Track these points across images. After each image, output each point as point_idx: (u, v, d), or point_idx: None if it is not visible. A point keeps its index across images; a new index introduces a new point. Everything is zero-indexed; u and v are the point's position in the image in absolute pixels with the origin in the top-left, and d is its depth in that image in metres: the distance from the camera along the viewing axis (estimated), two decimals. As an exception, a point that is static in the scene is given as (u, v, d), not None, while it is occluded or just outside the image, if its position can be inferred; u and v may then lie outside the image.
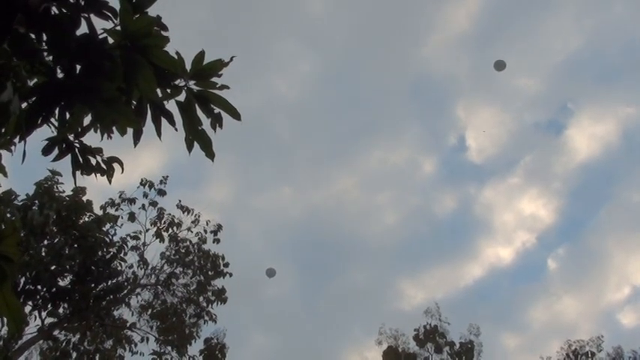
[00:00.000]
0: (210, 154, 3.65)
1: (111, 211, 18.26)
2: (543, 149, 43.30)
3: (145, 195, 19.45)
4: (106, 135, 3.63)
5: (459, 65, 43.26)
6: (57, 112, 3.28)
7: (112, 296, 16.27)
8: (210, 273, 19.39)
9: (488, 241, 45.67)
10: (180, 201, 20.01)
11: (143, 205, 19.39)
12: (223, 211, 38.25)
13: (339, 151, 43.78)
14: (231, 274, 19.52)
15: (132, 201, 19.06)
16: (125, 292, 17.32)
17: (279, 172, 42.76)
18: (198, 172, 37.89)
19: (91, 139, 3.86)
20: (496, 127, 41.75)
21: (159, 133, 3.55)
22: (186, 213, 19.86)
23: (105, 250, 15.68)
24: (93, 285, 15.47)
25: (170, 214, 19.68)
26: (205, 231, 19.90)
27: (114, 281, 16.00)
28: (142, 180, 19.43)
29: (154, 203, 19.50)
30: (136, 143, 3.51)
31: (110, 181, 4.14)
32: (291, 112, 41.00)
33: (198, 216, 20.01)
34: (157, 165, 33.96)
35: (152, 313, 19.13)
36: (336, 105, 43.51)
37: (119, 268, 16.11)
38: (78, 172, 3.94)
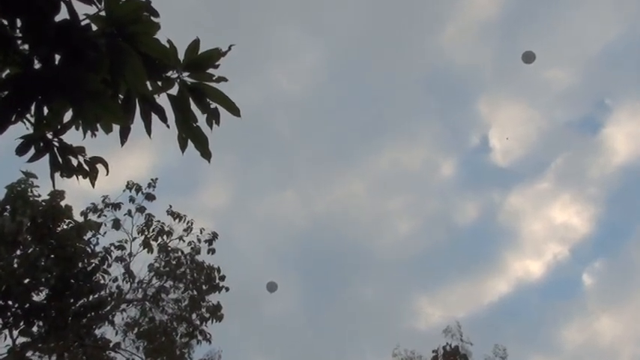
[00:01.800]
0: (206, 154, 3.66)
1: (93, 217, 18.28)
2: (577, 150, 43.23)
3: (132, 200, 19.46)
4: (89, 133, 3.64)
5: (481, 56, 43.26)
6: (33, 107, 3.28)
7: (93, 313, 16.25)
8: (204, 287, 19.38)
9: (516, 254, 45.59)
10: (170, 206, 20.01)
11: (129, 211, 19.40)
12: (219, 218, 38.28)
13: (347, 151, 43.82)
14: (227, 289, 19.51)
15: (117, 206, 19.07)
16: (108, 308, 17.33)
17: (281, 175, 42.82)
18: (191, 175, 37.95)
19: (72, 137, 3.87)
20: (524, 125, 41.70)
21: (149, 131, 3.56)
22: (177, 220, 19.86)
23: (86, 261, 15.68)
24: (72, 300, 15.45)
25: (159, 221, 19.68)
26: (199, 240, 19.90)
27: (96, 296, 15.98)
28: (128, 183, 19.44)
29: (141, 209, 19.50)
30: (122, 142, 3.52)
31: (93, 184, 4.15)
32: (293, 109, 41.06)
33: (191, 223, 20.00)
34: (145, 167, 34.07)
35: (139, 332, 19.14)
36: (344, 100, 43.53)
37: (102, 282, 16.11)
38: (57, 174, 3.95)
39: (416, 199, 45.36)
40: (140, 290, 19.22)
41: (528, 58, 22.69)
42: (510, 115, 42.11)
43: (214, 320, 19.09)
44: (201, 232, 19.96)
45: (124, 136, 3.55)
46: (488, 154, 45.83)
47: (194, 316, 19.20)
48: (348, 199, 42.70)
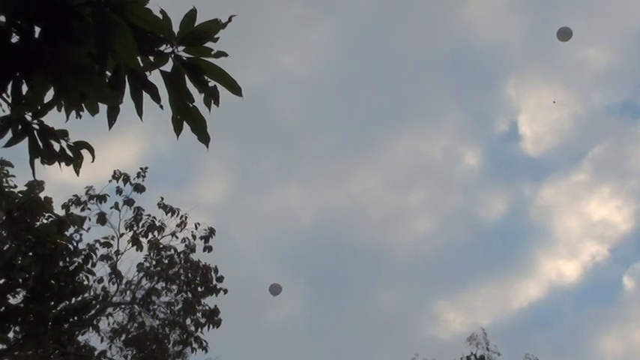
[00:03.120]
0: (204, 137, 3.66)
1: (76, 211, 18.30)
2: (617, 138, 43.21)
3: (119, 191, 19.50)
4: (73, 114, 3.65)
5: (510, 33, 43.17)
6: (11, 85, 3.29)
7: (76, 317, 16.28)
8: (199, 289, 19.41)
9: (548, 254, 45.55)
10: (162, 199, 20.03)
11: (116, 204, 19.44)
12: (217, 213, 38.32)
13: (360, 140, 43.76)
14: (225, 291, 19.54)
15: (102, 199, 19.11)
16: (93, 312, 17.36)
17: (286, 166, 42.85)
18: (185, 165, 38.08)
19: (54, 119, 3.88)
20: (557, 110, 41.62)
21: (139, 112, 3.56)
22: (170, 214, 19.89)
23: (68, 259, 15.68)
24: (52, 303, 15.47)
25: (150, 215, 19.71)
26: (194, 237, 19.94)
27: (79, 299, 16.00)
28: (114, 172, 19.47)
29: (129, 202, 19.53)
30: (110, 124, 3.52)
31: (78, 172, 4.16)
32: (300, 92, 41.01)
33: (185, 218, 20.03)
34: (134, 155, 34.08)
35: (127, 338, 19.18)
36: (357, 83, 43.44)
37: (85, 283, 16.11)
38: (37, 161, 3.96)
39: (436, 193, 45.39)
40: (128, 292, 19.28)
41: (564, 34, 22.59)
42: (542, 99, 42.01)
43: (211, 326, 19.12)
44: (196, 228, 20.00)
45: (112, 117, 3.55)
46: (517, 142, 45.83)
47: (188, 321, 19.23)
48: (360, 194, 42.76)
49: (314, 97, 41.87)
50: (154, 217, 19.73)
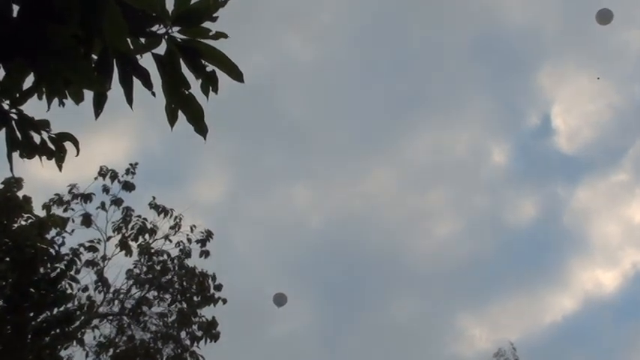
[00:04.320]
0: (201, 128, 3.66)
1: (58, 211, 18.34)
2: (662, 134, 42.91)
3: (106, 190, 19.53)
4: (55, 102, 3.65)
5: (543, 14, 43.02)
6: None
7: (58, 330, 16.33)
8: (195, 298, 19.44)
9: (584, 262, 45.52)
10: (154, 198, 20.04)
11: (103, 204, 19.46)
12: (215, 214, 38.33)
13: (375, 134, 43.69)
14: (224, 301, 19.56)
15: (87, 198, 19.14)
16: (77, 324, 17.40)
17: (292, 163, 42.85)
18: (180, 161, 38.03)
19: (34, 108, 3.88)
20: (595, 101, 41.54)
21: (129, 99, 3.56)
22: (162, 215, 19.90)
23: (49, 265, 15.74)
24: (31, 314, 15.53)
25: (140, 216, 19.73)
26: (189, 240, 19.95)
27: (61, 309, 16.05)
28: (101, 169, 19.50)
29: (117, 201, 19.56)
30: (97, 113, 3.52)
31: (60, 167, 4.16)
32: (308, 80, 40.96)
33: (180, 220, 20.05)
34: (123, 149, 34.09)
35: (114, 353, 19.21)
36: (371, 70, 43.37)
37: (69, 291, 16.15)
38: (15, 155, 3.96)
39: (460, 194, 45.36)
40: (116, 302, 19.30)
41: (604, 17, 22.52)
42: (578, 89, 41.99)
43: (208, 340, 19.14)
44: (192, 231, 20.01)
45: (98, 105, 3.55)
46: (550, 137, 45.78)
47: (183, 334, 19.25)
48: (375, 194, 42.73)
49: (323, 85, 41.82)
50: (145, 219, 19.74)
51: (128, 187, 19.61)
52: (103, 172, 19.46)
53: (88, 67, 3.36)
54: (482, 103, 44.04)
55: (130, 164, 19.78)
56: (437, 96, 44.17)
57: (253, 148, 41.75)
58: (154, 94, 3.60)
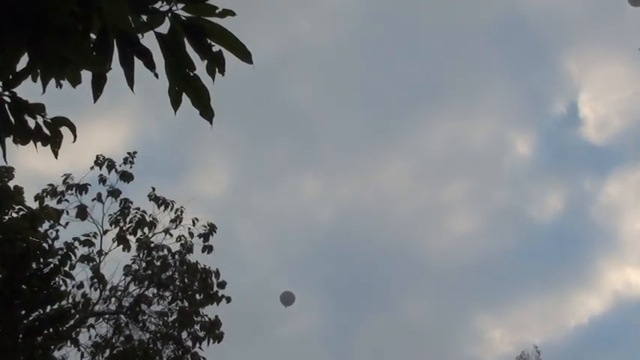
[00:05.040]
0: (207, 112, 3.66)
1: (51, 203, 18.38)
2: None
3: (102, 180, 19.55)
4: (51, 85, 3.65)
5: (570, -4, 42.73)
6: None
7: (51, 329, 16.38)
8: (197, 296, 19.48)
9: (613, 261, 45.48)
10: (154, 190, 20.06)
11: (99, 196, 19.48)
12: (218, 208, 38.44)
13: (388, 124, 43.65)
14: (228, 299, 19.59)
15: (82, 189, 19.15)
16: (72, 323, 17.45)
17: (300, 154, 42.86)
18: (182, 151, 37.97)
19: (29, 91, 3.88)
20: (626, 88, 41.34)
21: (130, 81, 3.56)
22: (163, 208, 19.93)
23: (42, 260, 15.77)
24: (23, 312, 15.58)
25: (139, 208, 19.76)
26: (191, 234, 19.98)
27: (55, 307, 16.09)
28: (97, 158, 19.52)
29: (115, 192, 19.58)
30: (96, 95, 3.52)
31: (56, 154, 4.17)
32: (317, 66, 40.83)
33: (181, 212, 20.08)
34: (122, 137, 34.11)
35: (111, 354, 19.26)
36: (384, 56, 43.20)
37: (63, 288, 16.19)
38: (8, 140, 3.97)
39: (479, 188, 45.36)
40: (113, 300, 19.33)
41: (636, -3, 22.46)
42: (608, 75, 41.88)
43: (211, 340, 19.18)
44: (194, 224, 20.02)
45: (97, 87, 3.56)
46: (577, 127, 45.73)
47: (184, 334, 19.29)
48: (386, 187, 42.76)
49: (334, 72, 41.74)
50: (144, 211, 19.77)
51: (126, 177, 19.63)
52: (99, 162, 19.48)
53: (86, 47, 3.37)
54: (503, 91, 43.98)
55: (129, 153, 19.81)
56: (454, 83, 44.12)
57: (259, 138, 41.80)
58: (156, 75, 3.61)
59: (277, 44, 37.80)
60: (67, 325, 17.17)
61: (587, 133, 43.56)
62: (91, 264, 18.88)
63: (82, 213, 19.01)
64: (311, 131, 41.90)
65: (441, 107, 43.64)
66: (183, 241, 19.90)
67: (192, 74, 3.65)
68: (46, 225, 16.39)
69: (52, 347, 17.57)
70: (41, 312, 15.82)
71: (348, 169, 43.50)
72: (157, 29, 3.62)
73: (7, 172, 15.71)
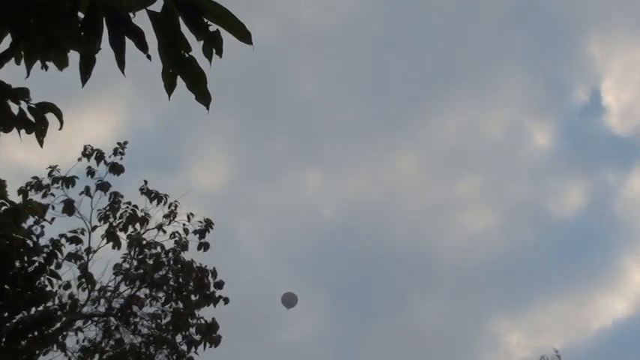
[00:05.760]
0: (203, 96, 3.66)
1: (36, 197, 18.40)
2: None
3: (91, 173, 19.56)
4: (36, 68, 3.65)
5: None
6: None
7: (36, 332, 16.42)
8: (193, 297, 19.51)
9: (639, 259, 45.35)
10: (146, 183, 20.08)
11: (87, 189, 19.50)
12: (215, 203, 38.56)
13: (396, 114, 43.76)
14: (226, 300, 19.62)
15: (69, 182, 19.18)
16: (58, 325, 17.48)
17: (303, 146, 42.85)
18: (176, 142, 38.00)
19: (12, 74, 3.89)
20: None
21: (121, 63, 3.56)
22: (155, 202, 19.96)
23: (26, 258, 15.80)
24: (6, 314, 15.61)
25: (130, 203, 19.77)
26: (186, 231, 20.00)
27: (40, 308, 16.13)
28: (85, 148, 19.53)
29: (104, 186, 19.60)
30: (84, 78, 3.52)
31: (41, 142, 4.17)
32: (321, 53, 40.78)
33: (175, 207, 20.10)
34: (111, 127, 34.11)
35: (101, 359, 19.32)
36: (392, 41, 43.17)
37: (48, 288, 16.24)
38: (-10, 128, 3.97)
39: (495, 182, 45.41)
40: (102, 301, 19.36)
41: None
42: (632, 61, 41.80)
43: (208, 344, 19.21)
44: (189, 220, 20.04)
45: (86, 70, 3.56)
46: (600, 116, 45.79)
47: (179, 337, 19.33)
48: (395, 182, 42.87)
49: (338, 59, 41.66)
50: (135, 206, 19.77)
51: (116, 169, 19.62)
52: (87, 153, 19.47)
53: (73, 26, 3.37)
54: (520, 78, 44.03)
55: (119, 143, 19.81)
56: (468, 69, 44.18)
57: (260, 128, 41.88)
58: (149, 57, 3.61)
59: (278, 30, 37.81)
60: (52, 328, 17.21)
61: (610, 123, 43.80)
62: (78, 262, 18.90)
63: (69, 208, 19.04)
64: (315, 121, 42.01)
65: (454, 96, 43.75)
66: (177, 238, 19.92)
67: (187, 56, 3.65)
68: (30, 221, 16.43)
69: (37, 352, 17.59)
70: (25, 314, 15.86)
71: (355, 162, 43.64)
72: (149, 7, 3.62)
73: (-12, 164, 15.75)
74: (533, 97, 43.79)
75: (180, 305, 19.47)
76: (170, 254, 19.82)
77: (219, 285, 19.65)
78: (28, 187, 18.59)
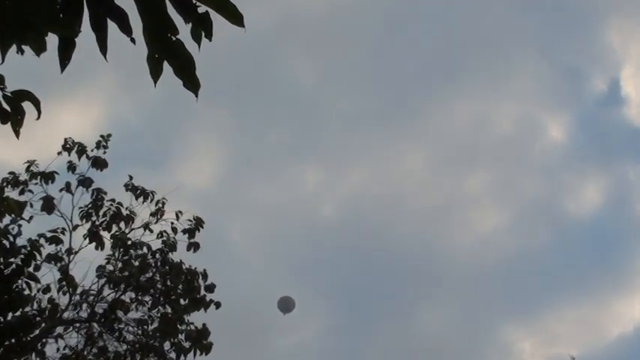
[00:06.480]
0: (192, 82, 3.66)
1: (12, 194, 18.40)
2: None
3: (72, 168, 19.56)
4: (11, 53, 3.65)
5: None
6: None
7: (13, 339, 16.43)
8: (182, 302, 19.51)
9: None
10: (131, 178, 20.07)
11: (67, 185, 19.50)
12: (205, 201, 38.50)
13: (400, 105, 43.67)
14: (218, 304, 19.62)
15: (49, 177, 19.18)
16: (37, 332, 17.49)
17: (300, 140, 42.77)
18: (163, 136, 37.94)
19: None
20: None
21: (103, 48, 3.56)
22: (141, 199, 19.95)
23: (2, 260, 15.82)
24: (-18, 320, 15.63)
25: (114, 200, 19.78)
26: (174, 230, 19.99)
27: (17, 314, 16.13)
28: (65, 142, 19.52)
29: (86, 182, 19.59)
30: (63, 64, 3.51)
31: (17, 133, 4.17)
32: (319, 40, 40.72)
33: (163, 205, 20.09)
34: (93, 119, 34.07)
35: (83, 369, 19.34)
36: (396, 27, 43.11)
37: (26, 292, 16.24)
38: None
39: (506, 178, 45.39)
40: (85, 306, 19.36)
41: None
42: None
43: (198, 352, 19.21)
44: (177, 218, 20.03)
45: (65, 55, 3.55)
46: (619, 108, 45.83)
47: (167, 345, 19.33)
48: (401, 178, 42.83)
49: (337, 46, 41.57)
50: (120, 203, 19.79)
51: (99, 164, 19.62)
52: (68, 146, 19.48)
53: (52, 7, 3.37)
54: (533, 68, 43.97)
55: (102, 136, 19.81)
56: (477, 58, 44.03)
57: (253, 120, 41.85)
58: (133, 40, 3.61)
59: (273, 14, 37.74)
60: (31, 335, 17.21)
61: (630, 115, 43.68)
62: (58, 264, 18.89)
63: (49, 205, 19.03)
64: (313, 113, 41.95)
65: (463, 86, 43.68)
66: (165, 238, 19.92)
67: (174, 39, 3.65)
68: (6, 219, 16.44)
69: (15, 360, 17.63)
70: (1, 320, 15.86)
71: (356, 157, 43.64)
72: (133, -13, 3.62)
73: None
74: (547, 87, 43.85)
75: (169, 310, 19.46)
76: (157, 255, 19.81)
77: (211, 288, 19.65)
78: (4, 184, 18.60)
